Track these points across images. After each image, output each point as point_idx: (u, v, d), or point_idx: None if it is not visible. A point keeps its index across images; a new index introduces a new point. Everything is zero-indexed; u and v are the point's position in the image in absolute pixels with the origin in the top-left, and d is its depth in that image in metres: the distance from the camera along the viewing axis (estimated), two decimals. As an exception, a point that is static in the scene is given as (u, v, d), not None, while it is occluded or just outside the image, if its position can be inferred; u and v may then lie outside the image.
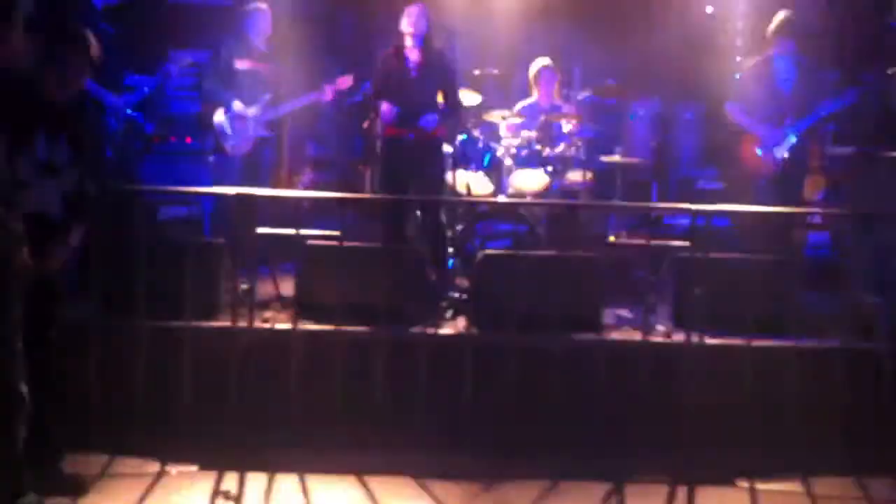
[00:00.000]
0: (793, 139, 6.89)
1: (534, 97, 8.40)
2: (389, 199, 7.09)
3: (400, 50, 6.97)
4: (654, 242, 6.63)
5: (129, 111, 6.71)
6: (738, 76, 7.34)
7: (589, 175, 8.03)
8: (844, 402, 5.48)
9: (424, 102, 6.94)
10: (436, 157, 7.13)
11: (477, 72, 8.37)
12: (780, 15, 7.12)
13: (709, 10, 8.54)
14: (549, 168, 7.76)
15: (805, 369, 5.56)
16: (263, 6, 7.29)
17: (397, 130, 6.96)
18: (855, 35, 8.70)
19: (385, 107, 6.89)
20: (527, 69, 8.52)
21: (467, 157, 7.62)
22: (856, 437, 5.44)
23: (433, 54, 7.01)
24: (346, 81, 7.44)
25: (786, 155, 6.89)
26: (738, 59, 9.33)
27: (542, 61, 8.44)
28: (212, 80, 7.15)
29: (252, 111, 7.14)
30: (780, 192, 6.90)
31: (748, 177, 7.14)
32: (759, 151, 6.96)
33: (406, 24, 6.88)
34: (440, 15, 7.12)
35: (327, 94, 7.33)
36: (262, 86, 7.18)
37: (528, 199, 7.71)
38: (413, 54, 6.95)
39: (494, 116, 8.08)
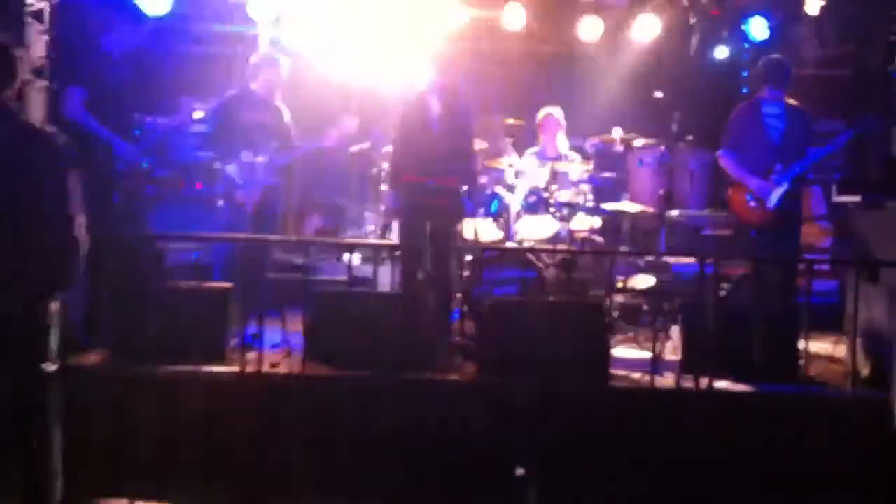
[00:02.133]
0: (784, 186, 6.80)
1: (540, 145, 8.47)
2: (396, 246, 7.13)
3: (423, 98, 7.06)
4: (661, 289, 6.63)
5: (139, 156, 6.76)
6: (728, 123, 7.21)
7: (596, 222, 8.07)
8: (852, 451, 5.46)
9: (443, 150, 6.99)
10: (453, 204, 7.16)
11: (486, 119, 8.44)
12: (768, 59, 7.05)
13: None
14: (557, 214, 7.80)
15: (813, 417, 5.55)
16: (274, 58, 7.36)
17: (416, 178, 7.01)
18: (856, 84, 8.78)
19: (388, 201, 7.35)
20: (534, 118, 8.61)
21: (475, 204, 7.68)
22: (865, 488, 5.41)
23: (455, 104, 7.08)
24: (351, 126, 7.48)
25: (777, 203, 6.81)
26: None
27: (547, 109, 8.52)
28: (220, 130, 7.21)
29: (260, 159, 7.19)
30: (774, 240, 6.80)
31: (742, 226, 7.08)
32: (750, 202, 6.90)
33: (430, 74, 7.00)
34: (453, 64, 7.19)
35: (330, 139, 7.37)
36: (269, 134, 7.23)
37: (536, 246, 7.74)
38: (435, 103, 7.04)
39: (502, 163, 8.15)
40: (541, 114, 8.55)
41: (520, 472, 5.35)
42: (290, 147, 7.30)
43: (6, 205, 3.99)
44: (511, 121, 8.67)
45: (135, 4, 6.66)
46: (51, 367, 4.18)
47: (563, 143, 8.52)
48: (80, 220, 4.13)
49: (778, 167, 6.77)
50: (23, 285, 4.03)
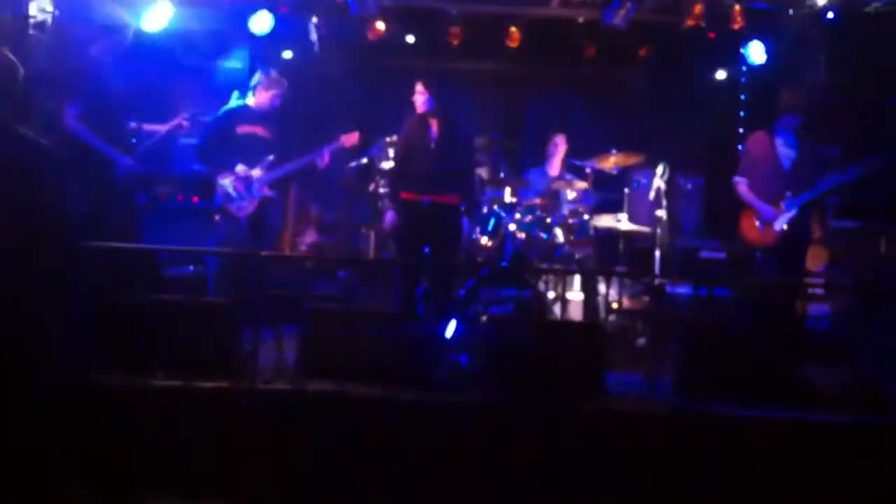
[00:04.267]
0: (793, 212, 6.98)
1: (545, 164, 8.60)
2: (393, 263, 7.13)
3: (423, 118, 7.10)
4: (656, 311, 6.63)
5: (135, 165, 6.77)
6: (741, 149, 7.42)
7: (592, 242, 8.08)
8: (849, 475, 5.45)
9: (441, 170, 7.03)
10: (451, 223, 7.19)
11: (483, 140, 8.48)
12: (783, 91, 7.24)
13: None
14: (554, 234, 7.80)
15: (810, 442, 5.54)
16: (273, 74, 7.39)
17: (414, 195, 7.05)
18: (858, 113, 8.80)
19: (389, 216, 7.29)
20: (531, 139, 8.71)
21: (473, 223, 7.71)
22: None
23: (451, 125, 7.13)
24: (351, 139, 7.52)
25: (785, 227, 6.98)
26: (741, 130, 9.43)
27: (557, 132, 8.71)
28: (215, 142, 7.24)
29: (255, 172, 7.21)
30: (778, 264, 6.97)
31: (748, 248, 7.21)
32: (758, 225, 7.08)
33: (414, 98, 7.10)
34: (447, 86, 7.26)
35: (325, 157, 7.40)
36: (264, 148, 7.26)
37: (533, 265, 7.75)
38: (434, 124, 7.09)
39: (499, 183, 8.17)
40: (550, 136, 8.72)
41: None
42: (285, 161, 7.33)
43: (5, 217, 3.99)
44: (508, 142, 8.73)
45: (118, 16, 6.69)
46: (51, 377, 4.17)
47: (565, 165, 8.64)
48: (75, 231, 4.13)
49: (788, 193, 6.95)
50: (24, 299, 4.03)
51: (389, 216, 7.33)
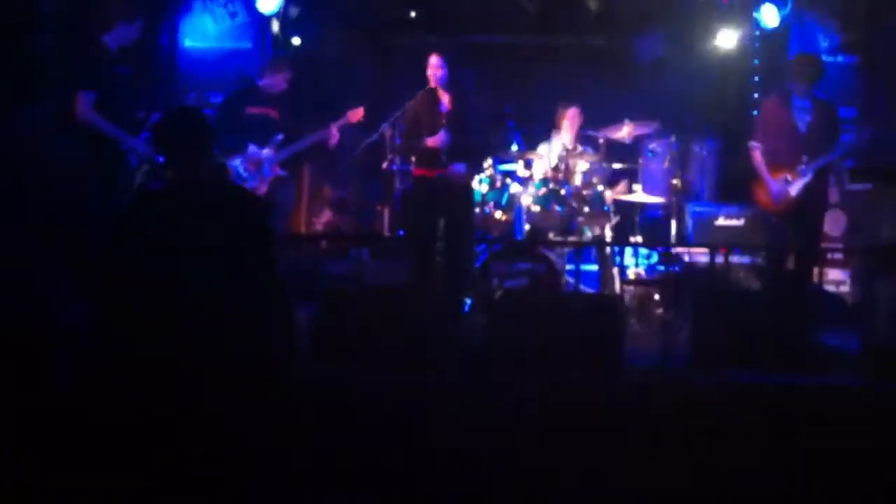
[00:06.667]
0: (808, 177, 6.90)
1: (557, 136, 8.51)
2: (407, 239, 7.13)
3: (432, 92, 7.07)
4: (672, 279, 6.60)
5: (152, 152, 6.79)
6: (755, 114, 7.33)
7: (607, 214, 8.04)
8: (867, 442, 5.41)
9: (451, 144, 7.00)
10: (464, 197, 7.17)
11: (496, 112, 8.44)
12: (798, 55, 7.17)
13: None
14: (567, 206, 7.77)
15: (827, 407, 5.51)
16: (281, 54, 7.40)
17: (426, 170, 7.03)
18: (868, 71, 8.71)
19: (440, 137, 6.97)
20: (544, 110, 8.63)
21: (485, 196, 7.68)
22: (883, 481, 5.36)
23: (461, 98, 7.10)
24: (356, 114, 7.53)
25: (800, 192, 6.90)
26: (756, 95, 9.34)
27: (569, 103, 8.60)
28: (224, 124, 7.24)
29: (265, 152, 7.22)
30: (794, 229, 6.91)
31: (764, 214, 7.15)
32: (770, 197, 7.01)
33: (429, 72, 7.04)
34: (456, 60, 7.21)
35: (333, 133, 7.40)
36: (274, 128, 7.27)
37: (547, 238, 7.72)
38: (444, 98, 7.05)
39: (512, 156, 8.14)
40: (562, 107, 8.60)
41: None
42: (294, 140, 7.34)
43: None
44: (521, 115, 8.69)
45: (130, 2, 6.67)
46: None
47: (578, 137, 8.58)
48: None
49: (804, 158, 6.87)
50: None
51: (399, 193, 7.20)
